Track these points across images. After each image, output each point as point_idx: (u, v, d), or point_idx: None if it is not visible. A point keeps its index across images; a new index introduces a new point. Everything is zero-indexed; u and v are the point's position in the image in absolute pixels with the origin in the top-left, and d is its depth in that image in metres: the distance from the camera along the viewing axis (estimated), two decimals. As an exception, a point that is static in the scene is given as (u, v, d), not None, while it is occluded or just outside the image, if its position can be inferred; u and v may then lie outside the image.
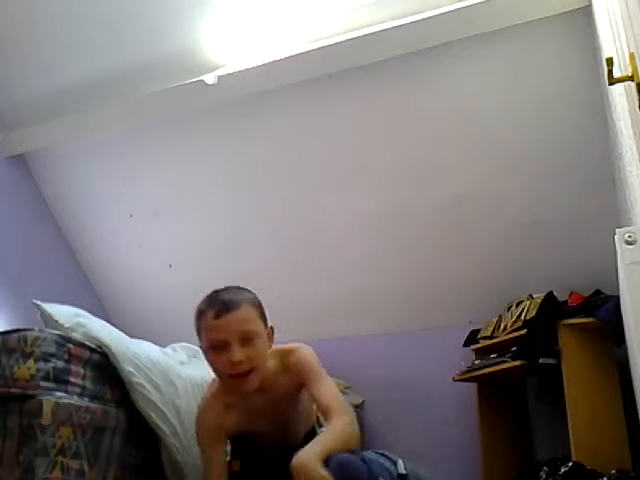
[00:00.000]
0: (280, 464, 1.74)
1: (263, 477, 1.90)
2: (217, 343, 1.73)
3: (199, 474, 1.87)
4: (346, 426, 1.72)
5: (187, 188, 3.55)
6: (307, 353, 1.87)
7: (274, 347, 1.86)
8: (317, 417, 2.03)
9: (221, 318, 1.72)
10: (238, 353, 1.71)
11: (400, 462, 1.70)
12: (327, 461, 1.56)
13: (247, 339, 1.73)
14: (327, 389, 1.81)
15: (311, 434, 1.90)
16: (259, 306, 1.81)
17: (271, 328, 1.83)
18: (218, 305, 1.74)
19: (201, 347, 1.81)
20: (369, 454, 1.70)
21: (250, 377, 1.75)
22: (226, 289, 1.81)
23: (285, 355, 1.85)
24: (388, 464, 1.68)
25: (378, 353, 3.62)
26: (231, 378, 1.76)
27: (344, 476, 1.53)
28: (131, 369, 1.94)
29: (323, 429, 1.76)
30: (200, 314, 1.77)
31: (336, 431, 1.69)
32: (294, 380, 1.84)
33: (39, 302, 2.00)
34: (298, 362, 1.83)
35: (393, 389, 3.52)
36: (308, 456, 1.55)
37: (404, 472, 1.67)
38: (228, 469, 1.85)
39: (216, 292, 1.80)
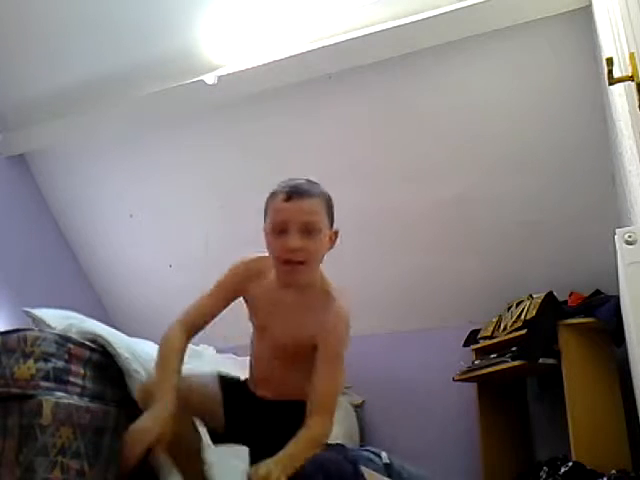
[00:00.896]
0: (260, 416, 1.76)
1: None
2: (280, 226, 1.70)
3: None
4: (322, 435, 1.67)
5: (187, 188, 3.55)
6: (343, 329, 1.84)
7: (330, 283, 1.83)
8: None
9: (290, 202, 1.69)
10: (296, 241, 1.68)
11: (384, 454, 1.73)
12: (311, 461, 1.54)
13: (309, 231, 1.70)
14: (330, 382, 1.74)
15: (299, 406, 1.79)
16: (330, 205, 1.78)
17: (335, 231, 1.80)
18: (291, 189, 1.71)
19: (264, 229, 1.77)
20: (352, 450, 1.71)
21: (301, 268, 1.72)
22: (304, 180, 1.77)
23: (331, 302, 1.81)
24: (372, 456, 1.70)
25: (378, 353, 3.61)
26: (283, 264, 1.73)
27: (328, 476, 1.52)
28: (128, 356, 1.94)
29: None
30: (272, 195, 1.75)
31: (308, 439, 1.63)
32: (315, 329, 1.77)
33: (28, 309, 2.00)
34: (330, 331, 1.78)
35: (393, 389, 3.52)
36: (269, 469, 1.50)
37: (388, 462, 1.69)
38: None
39: (293, 179, 1.77)
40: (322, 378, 1.72)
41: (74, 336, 1.88)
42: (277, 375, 1.84)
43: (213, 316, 1.86)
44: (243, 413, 1.84)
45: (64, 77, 3.27)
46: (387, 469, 1.99)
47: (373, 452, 1.73)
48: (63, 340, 1.80)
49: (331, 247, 1.80)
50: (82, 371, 1.82)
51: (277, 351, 1.83)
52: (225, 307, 1.87)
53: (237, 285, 1.86)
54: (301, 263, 1.71)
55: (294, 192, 1.71)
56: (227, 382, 1.90)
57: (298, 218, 1.69)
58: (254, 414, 1.83)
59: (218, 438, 1.83)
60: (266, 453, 1.57)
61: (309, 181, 1.77)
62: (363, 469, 1.56)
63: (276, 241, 1.72)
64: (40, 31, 3.14)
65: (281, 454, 1.56)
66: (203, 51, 3.04)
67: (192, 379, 1.86)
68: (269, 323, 1.84)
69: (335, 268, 3.61)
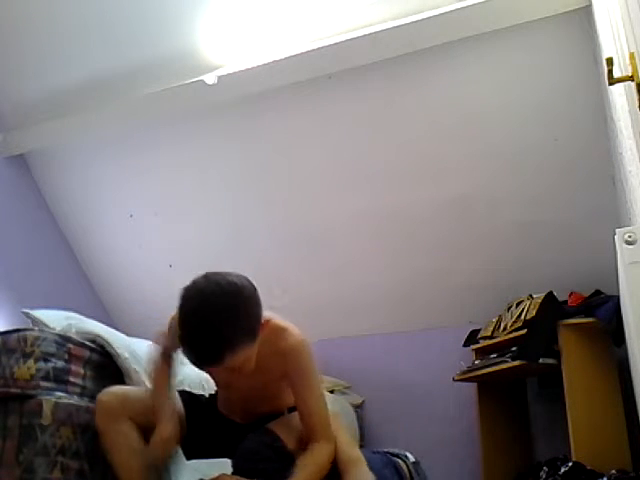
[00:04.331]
0: (227, 435, 1.78)
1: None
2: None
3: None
4: (325, 457, 1.70)
5: (187, 188, 3.55)
6: (301, 349, 1.75)
7: (276, 322, 1.74)
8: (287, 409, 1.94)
9: (208, 367, 1.64)
10: (231, 378, 1.67)
11: (408, 454, 1.77)
12: None
13: (240, 367, 1.61)
14: (314, 404, 1.74)
15: (273, 416, 1.84)
16: (251, 334, 1.58)
17: (266, 321, 1.65)
18: (202, 360, 1.57)
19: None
20: (378, 454, 1.74)
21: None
22: (208, 325, 1.53)
23: (278, 338, 1.73)
24: (401, 455, 1.73)
25: (378, 353, 3.62)
26: None
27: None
28: (127, 355, 1.95)
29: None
30: (183, 347, 1.58)
31: (313, 464, 1.67)
32: (280, 366, 1.75)
33: (27, 310, 2.01)
34: (289, 357, 1.73)
35: (393, 389, 3.52)
36: None
37: (414, 460, 1.73)
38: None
39: (196, 333, 1.54)
40: (303, 404, 1.74)
41: (74, 336, 1.88)
42: (249, 406, 1.86)
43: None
44: (210, 431, 1.85)
45: (64, 77, 3.27)
46: (415, 467, 2.01)
47: (397, 454, 1.76)
48: (63, 340, 1.81)
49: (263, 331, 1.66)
50: (82, 371, 1.83)
51: (245, 397, 1.84)
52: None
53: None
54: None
55: (206, 361, 1.56)
56: (190, 398, 1.92)
57: (224, 370, 1.60)
58: (228, 435, 1.84)
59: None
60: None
61: (213, 320, 1.53)
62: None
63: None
64: (40, 31, 3.14)
65: None
66: (203, 51, 3.04)
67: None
68: (232, 383, 1.79)
69: (335, 269, 3.60)
